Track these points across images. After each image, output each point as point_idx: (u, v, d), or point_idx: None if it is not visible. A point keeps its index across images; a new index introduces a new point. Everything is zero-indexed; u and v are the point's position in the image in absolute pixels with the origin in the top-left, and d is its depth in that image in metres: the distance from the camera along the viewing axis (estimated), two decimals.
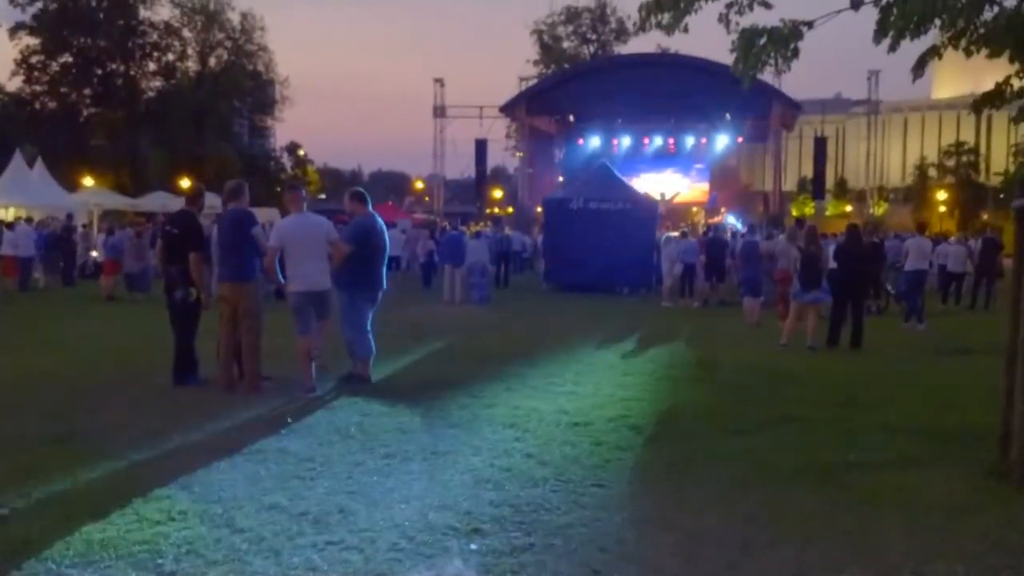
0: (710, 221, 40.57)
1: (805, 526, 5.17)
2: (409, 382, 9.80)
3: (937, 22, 6.02)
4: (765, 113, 41.05)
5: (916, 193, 69.97)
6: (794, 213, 64.42)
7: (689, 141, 45.67)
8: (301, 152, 76.00)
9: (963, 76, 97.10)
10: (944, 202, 65.72)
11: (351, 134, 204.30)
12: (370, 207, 9.89)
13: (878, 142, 54.29)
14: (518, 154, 58.67)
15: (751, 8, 6.27)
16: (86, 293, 21.23)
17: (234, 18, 61.10)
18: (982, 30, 6.20)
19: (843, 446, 7.07)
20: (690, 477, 6.15)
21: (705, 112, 40.91)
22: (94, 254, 25.63)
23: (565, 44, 64.05)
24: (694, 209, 45.52)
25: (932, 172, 72.39)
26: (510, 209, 59.70)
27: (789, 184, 72.00)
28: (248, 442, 6.90)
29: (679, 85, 40.08)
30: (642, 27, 6.35)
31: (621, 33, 63.40)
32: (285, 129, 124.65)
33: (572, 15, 63.95)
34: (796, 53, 6.33)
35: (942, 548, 4.84)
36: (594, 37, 64.51)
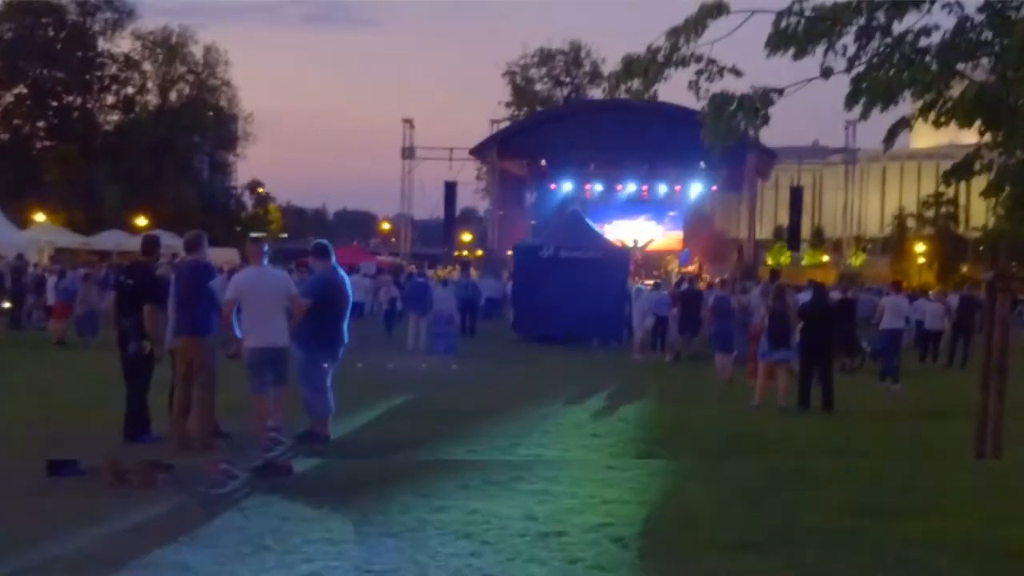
0: (683, 271, 40.90)
1: None
2: (367, 443, 9.75)
3: (906, 94, 6.28)
4: (740, 162, 41.58)
5: (894, 244, 70.75)
6: (769, 262, 64.98)
7: (663, 188, 46.14)
8: (262, 190, 75.85)
9: (942, 127, 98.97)
10: (923, 254, 66.60)
11: (316, 173, 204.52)
12: (333, 261, 9.98)
13: (856, 191, 55.09)
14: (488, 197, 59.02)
15: (721, 75, 6.46)
16: (34, 338, 21.03)
17: (197, 51, 61.34)
18: (950, 103, 6.42)
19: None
20: None
21: (679, 159, 41.32)
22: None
23: (538, 86, 64.84)
24: (668, 258, 45.85)
25: (911, 223, 73.26)
26: (479, 252, 59.81)
27: (764, 232, 72.77)
28: (138, 552, 5.82)
29: (654, 131, 40.40)
30: (611, 93, 6.52)
31: (595, 76, 64.03)
32: (248, 167, 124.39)
33: (545, 57, 64.65)
34: (766, 120, 6.54)
35: None
36: (568, 79, 65.33)
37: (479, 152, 47.87)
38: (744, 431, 11.42)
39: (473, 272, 31.59)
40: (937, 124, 6.59)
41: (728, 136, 6.44)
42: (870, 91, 6.28)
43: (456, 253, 56.69)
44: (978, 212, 78.95)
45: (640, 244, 44.50)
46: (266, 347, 8.98)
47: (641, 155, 42.89)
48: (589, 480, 8.27)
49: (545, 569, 5.70)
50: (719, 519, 6.87)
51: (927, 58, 6.39)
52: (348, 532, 6.38)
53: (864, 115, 6.55)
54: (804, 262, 67.50)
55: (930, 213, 73.59)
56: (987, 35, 6.37)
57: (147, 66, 60.38)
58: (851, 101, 6.53)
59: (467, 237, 69.26)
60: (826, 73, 6.49)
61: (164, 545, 5.94)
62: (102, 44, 58.30)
